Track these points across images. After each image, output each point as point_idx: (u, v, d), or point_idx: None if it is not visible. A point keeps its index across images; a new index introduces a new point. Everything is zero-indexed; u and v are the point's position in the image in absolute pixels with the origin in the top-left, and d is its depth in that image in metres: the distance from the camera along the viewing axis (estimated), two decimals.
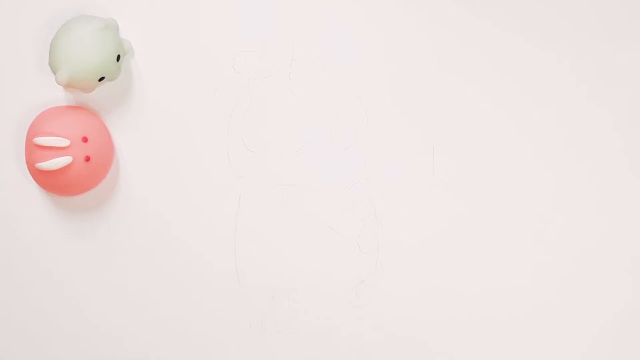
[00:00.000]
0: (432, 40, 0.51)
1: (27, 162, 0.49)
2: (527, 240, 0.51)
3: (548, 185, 0.51)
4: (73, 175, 0.48)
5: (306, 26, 0.51)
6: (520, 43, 0.51)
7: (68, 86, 0.47)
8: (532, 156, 0.51)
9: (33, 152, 0.48)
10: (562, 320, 0.52)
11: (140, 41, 0.51)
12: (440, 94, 0.51)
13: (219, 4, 0.51)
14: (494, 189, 0.51)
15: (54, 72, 0.47)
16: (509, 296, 0.51)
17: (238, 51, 0.51)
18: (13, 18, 0.51)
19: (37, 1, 0.51)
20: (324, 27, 0.51)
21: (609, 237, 0.51)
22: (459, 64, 0.51)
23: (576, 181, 0.51)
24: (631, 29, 0.50)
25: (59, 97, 0.51)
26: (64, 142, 0.48)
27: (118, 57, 0.48)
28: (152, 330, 0.53)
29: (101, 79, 0.48)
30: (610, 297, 0.51)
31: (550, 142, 0.51)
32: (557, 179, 0.51)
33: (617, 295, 0.51)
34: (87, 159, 0.48)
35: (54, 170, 0.48)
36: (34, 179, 0.50)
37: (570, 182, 0.51)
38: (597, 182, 0.51)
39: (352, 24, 0.51)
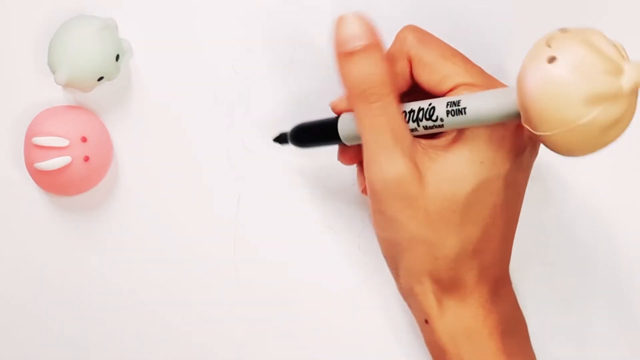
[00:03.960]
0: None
1: (26, 162, 0.49)
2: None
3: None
4: (72, 175, 0.48)
5: (306, 26, 0.51)
6: None
7: (67, 86, 0.48)
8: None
9: (32, 152, 0.48)
10: None
11: (139, 41, 0.51)
12: None
13: (218, 3, 0.51)
14: None
15: (53, 72, 0.47)
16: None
17: (238, 51, 0.51)
18: (12, 17, 0.51)
19: (36, 1, 0.51)
20: (324, 27, 0.51)
21: None
22: None
23: None
24: None
25: (57, 97, 0.51)
26: (63, 142, 0.48)
27: (117, 57, 0.48)
28: (151, 330, 0.53)
29: (100, 78, 0.48)
30: None
31: None
32: None
33: None
34: (86, 158, 0.48)
35: (53, 170, 0.48)
36: (33, 179, 0.50)
37: None
38: None
39: None
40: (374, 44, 0.41)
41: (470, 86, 0.41)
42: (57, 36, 0.47)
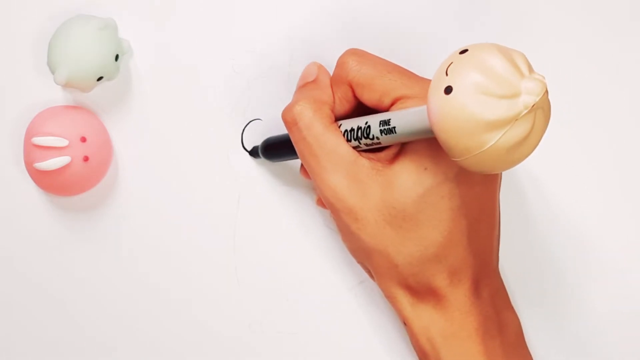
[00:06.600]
0: (432, 39, 0.51)
1: (25, 163, 0.49)
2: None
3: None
4: (71, 175, 0.48)
5: (306, 26, 0.51)
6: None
7: (66, 86, 0.47)
8: None
9: (31, 152, 0.48)
10: None
11: (139, 41, 0.51)
12: None
13: (218, 3, 0.51)
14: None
15: (53, 72, 0.47)
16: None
17: (237, 51, 0.51)
18: (11, 17, 0.51)
19: (36, 1, 0.51)
20: (323, 27, 0.51)
21: None
22: None
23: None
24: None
25: (57, 97, 0.51)
26: (62, 142, 0.48)
27: (117, 57, 0.48)
28: (151, 330, 0.53)
29: (99, 78, 0.48)
30: None
31: None
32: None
33: None
34: (86, 159, 0.48)
35: (53, 171, 0.48)
36: (33, 179, 0.50)
37: None
38: None
39: (351, 24, 0.51)
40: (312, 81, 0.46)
41: (407, 99, 0.42)
42: (57, 36, 0.47)
